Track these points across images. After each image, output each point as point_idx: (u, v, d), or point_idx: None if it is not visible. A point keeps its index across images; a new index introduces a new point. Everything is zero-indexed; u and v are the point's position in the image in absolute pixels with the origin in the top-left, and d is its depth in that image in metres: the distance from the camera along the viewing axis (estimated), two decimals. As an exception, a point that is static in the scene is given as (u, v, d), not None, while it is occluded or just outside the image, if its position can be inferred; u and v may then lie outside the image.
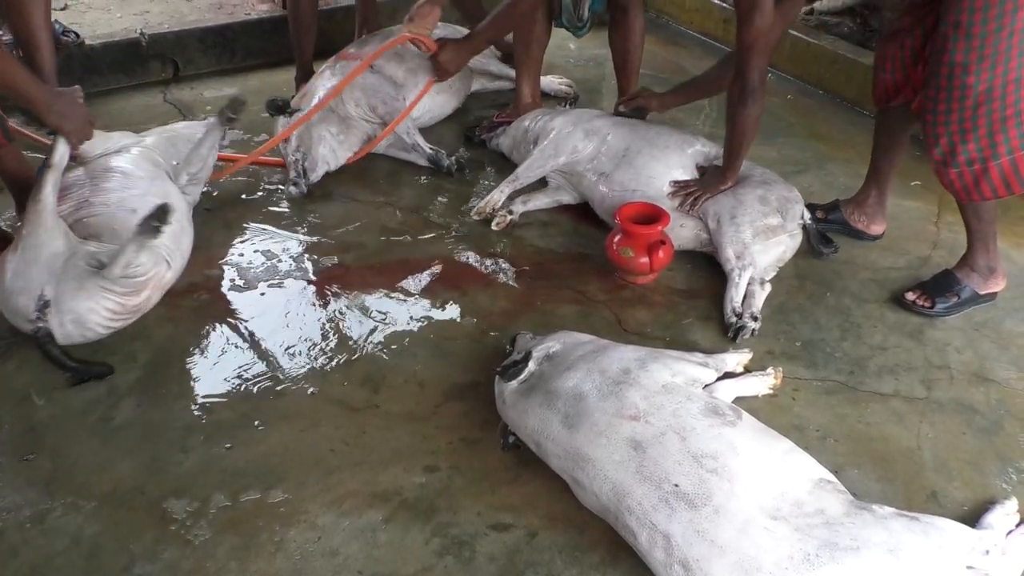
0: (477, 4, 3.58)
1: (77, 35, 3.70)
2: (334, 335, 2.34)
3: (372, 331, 2.36)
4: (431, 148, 3.12)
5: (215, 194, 2.97)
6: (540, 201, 2.93)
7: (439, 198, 3.01)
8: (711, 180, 2.59)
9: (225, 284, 2.54)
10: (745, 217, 2.48)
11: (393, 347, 2.30)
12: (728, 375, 2.11)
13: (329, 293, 2.52)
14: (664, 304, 2.50)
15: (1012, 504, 1.81)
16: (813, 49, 3.91)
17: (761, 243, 2.47)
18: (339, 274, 2.60)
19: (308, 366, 2.23)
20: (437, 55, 3.04)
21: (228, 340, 2.31)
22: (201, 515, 1.81)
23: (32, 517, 1.79)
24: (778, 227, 2.50)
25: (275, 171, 3.10)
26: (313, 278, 2.58)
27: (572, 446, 1.74)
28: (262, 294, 2.50)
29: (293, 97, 3.16)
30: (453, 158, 3.12)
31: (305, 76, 3.41)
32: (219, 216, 2.86)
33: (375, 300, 2.49)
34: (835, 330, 2.39)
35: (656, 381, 1.81)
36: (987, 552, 1.58)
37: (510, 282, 2.58)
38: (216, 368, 2.22)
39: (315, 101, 3.05)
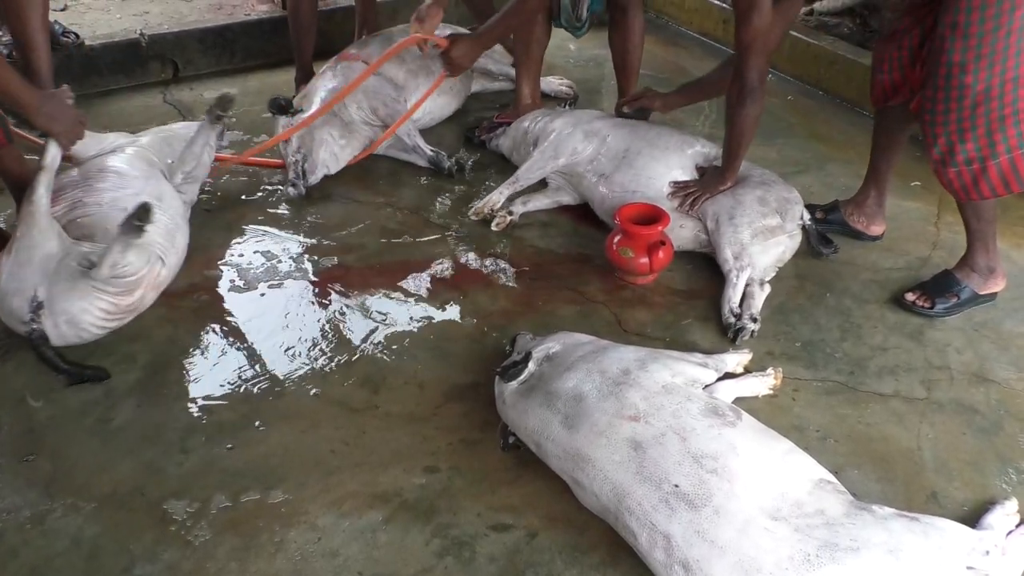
0: (487, 1, 3.56)
1: (77, 36, 3.70)
2: (334, 336, 2.34)
3: (372, 332, 2.36)
4: (432, 150, 3.12)
5: (217, 195, 2.97)
6: (540, 202, 2.93)
7: (439, 199, 3.01)
8: (710, 180, 2.59)
9: (225, 285, 2.54)
10: (744, 218, 2.48)
11: (393, 348, 2.30)
12: (728, 375, 2.11)
13: (329, 294, 2.52)
14: (664, 305, 2.50)
15: (1012, 504, 1.81)
16: (813, 50, 3.91)
17: (760, 244, 2.47)
18: (339, 275, 2.60)
19: (308, 367, 2.23)
20: (449, 51, 3.03)
21: (228, 341, 2.31)
22: (201, 516, 1.81)
23: (32, 518, 1.79)
24: (777, 228, 2.50)
25: (275, 172, 3.10)
26: (313, 279, 2.58)
27: (572, 447, 1.74)
28: (262, 295, 2.50)
29: (294, 97, 3.16)
30: (453, 159, 3.12)
31: (305, 77, 3.41)
32: (219, 217, 2.86)
33: (375, 301, 2.49)
34: (835, 331, 2.39)
35: (656, 382, 1.81)
36: (987, 552, 1.58)
37: (510, 283, 2.58)
38: (216, 369, 2.22)
39: (316, 101, 3.05)
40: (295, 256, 2.68)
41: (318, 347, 2.30)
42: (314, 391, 2.15)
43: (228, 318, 2.40)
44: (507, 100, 3.61)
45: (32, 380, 2.14)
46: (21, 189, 2.29)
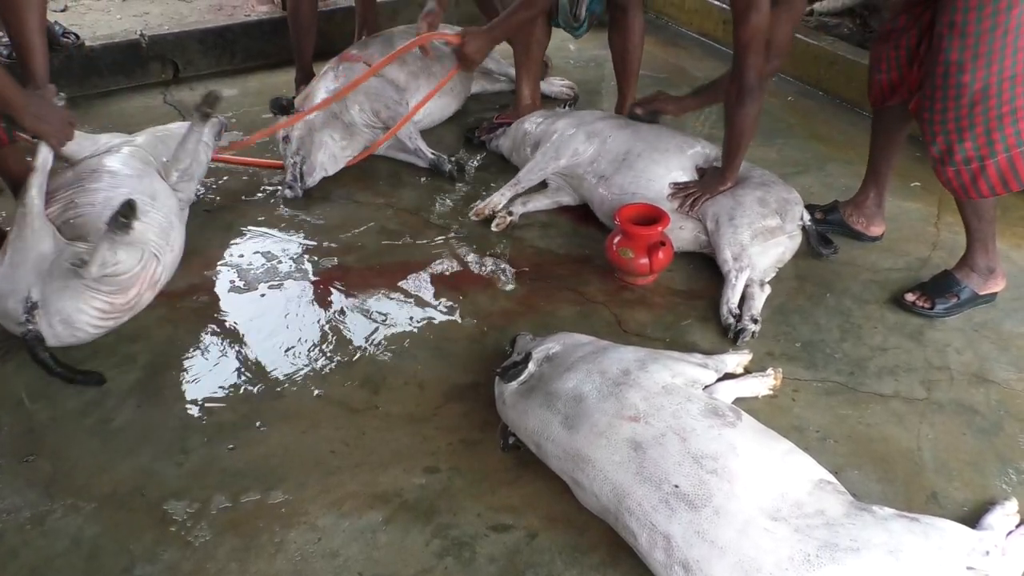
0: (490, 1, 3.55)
1: (77, 36, 3.71)
2: (334, 336, 2.34)
3: (372, 332, 2.36)
4: (433, 153, 3.12)
5: (218, 196, 2.97)
6: (540, 202, 2.93)
7: (439, 199, 3.01)
8: (710, 181, 2.59)
9: (225, 285, 2.54)
10: (743, 219, 2.48)
11: (393, 348, 2.30)
12: (728, 376, 2.11)
13: (329, 294, 2.52)
14: (664, 305, 2.50)
15: (1012, 505, 1.81)
16: (813, 50, 3.91)
17: (760, 245, 2.47)
18: (339, 275, 2.60)
19: (308, 367, 2.23)
20: (463, 47, 3.01)
21: (228, 341, 2.31)
22: (201, 516, 1.81)
23: (32, 519, 1.80)
24: (777, 228, 2.50)
25: (275, 172, 3.10)
26: (313, 279, 2.59)
27: (572, 447, 1.74)
28: (262, 295, 2.50)
29: (295, 97, 3.16)
30: (453, 159, 3.12)
31: (305, 77, 3.41)
32: (219, 217, 2.86)
33: (375, 301, 2.49)
34: (835, 331, 2.39)
35: (656, 382, 1.81)
36: (987, 553, 1.58)
37: (510, 283, 2.58)
38: (216, 369, 2.22)
39: (318, 103, 3.05)
40: (295, 257, 2.68)
41: (318, 348, 2.30)
42: (314, 392, 2.15)
43: (228, 319, 2.40)
44: (507, 101, 3.61)
45: (32, 381, 2.14)
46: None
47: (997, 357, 2.30)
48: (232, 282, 2.55)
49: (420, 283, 2.57)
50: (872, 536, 1.51)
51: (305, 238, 2.77)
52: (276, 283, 2.55)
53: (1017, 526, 1.76)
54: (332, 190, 3.03)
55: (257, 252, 2.70)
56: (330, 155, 3.02)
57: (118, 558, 1.72)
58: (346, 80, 3.08)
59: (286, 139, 2.99)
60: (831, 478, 1.69)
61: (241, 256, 2.68)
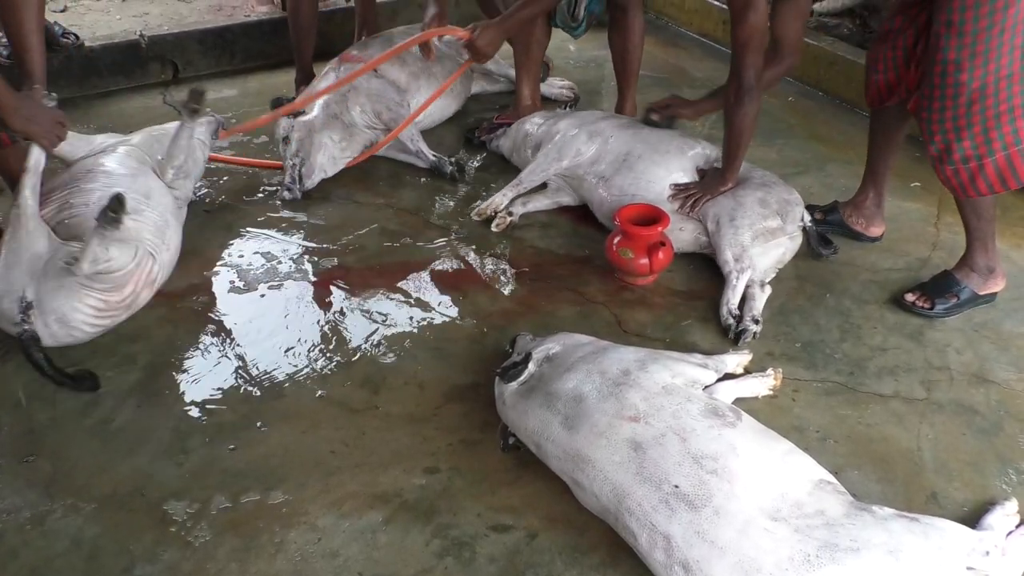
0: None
1: (77, 37, 3.70)
2: (334, 337, 2.34)
3: (372, 332, 2.36)
4: (434, 155, 3.12)
5: (218, 196, 2.97)
6: (540, 203, 2.93)
7: (439, 200, 3.01)
8: (711, 182, 2.59)
9: (225, 286, 2.54)
10: (744, 220, 2.48)
11: (393, 348, 2.30)
12: (728, 376, 2.11)
13: (329, 295, 2.52)
14: (664, 305, 2.50)
15: (1012, 505, 1.81)
16: (813, 50, 3.91)
17: (761, 246, 2.47)
18: (339, 276, 2.60)
19: (308, 368, 2.23)
20: (475, 40, 2.94)
21: (228, 342, 2.31)
22: (201, 516, 1.81)
23: (32, 519, 1.79)
24: (777, 229, 2.50)
25: (275, 173, 3.10)
26: (313, 280, 2.59)
27: (572, 447, 1.74)
28: (262, 296, 2.50)
29: (295, 98, 3.16)
30: (453, 160, 3.12)
31: (305, 78, 3.41)
32: (219, 218, 2.86)
33: (375, 301, 2.49)
34: (835, 331, 2.39)
35: (656, 382, 1.81)
36: (987, 553, 1.58)
37: (510, 283, 2.58)
38: (216, 369, 2.22)
39: (319, 104, 3.05)
40: (295, 257, 2.68)
41: (318, 348, 2.30)
42: (314, 392, 2.15)
43: (228, 319, 2.40)
44: (507, 101, 3.61)
45: (32, 381, 2.14)
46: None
47: (997, 357, 2.30)
48: (232, 282, 2.55)
49: (420, 283, 2.57)
50: (872, 536, 1.51)
51: (305, 238, 2.77)
52: (276, 283, 2.55)
53: (1017, 526, 1.76)
54: (332, 190, 3.03)
55: (257, 252, 2.70)
56: (329, 157, 3.02)
57: (118, 558, 1.72)
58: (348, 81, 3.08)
59: (286, 140, 2.99)
60: (831, 478, 1.69)
61: (241, 256, 2.68)
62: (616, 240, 2.53)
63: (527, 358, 1.93)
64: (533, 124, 3.07)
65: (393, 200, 3.00)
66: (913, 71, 2.35)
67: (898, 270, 2.65)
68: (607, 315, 2.45)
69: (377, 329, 2.37)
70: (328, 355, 2.27)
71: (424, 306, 2.48)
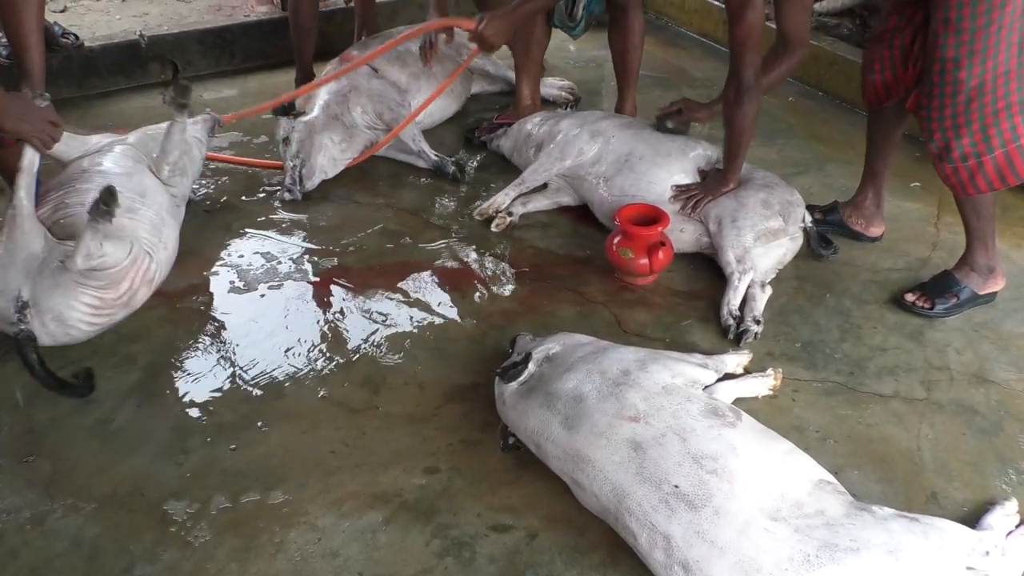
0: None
1: (76, 37, 3.71)
2: (334, 337, 2.34)
3: (372, 333, 2.36)
4: (436, 155, 3.12)
5: (219, 197, 2.97)
6: (540, 203, 2.93)
7: (439, 200, 3.02)
8: (713, 183, 2.59)
9: (225, 286, 2.54)
10: (747, 221, 2.48)
11: (393, 348, 2.30)
12: (728, 376, 2.11)
13: (329, 295, 2.52)
14: (664, 305, 2.50)
15: (1012, 505, 1.81)
16: (813, 50, 3.86)
17: (762, 246, 2.47)
18: (339, 276, 2.60)
19: (308, 368, 2.23)
20: (483, 29, 2.85)
21: (228, 342, 2.31)
22: (201, 516, 1.81)
23: (32, 519, 1.79)
24: (780, 230, 2.50)
25: (275, 173, 3.10)
26: (313, 279, 2.59)
27: (572, 447, 1.74)
28: (262, 295, 2.50)
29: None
30: (454, 160, 3.12)
31: (305, 78, 3.41)
32: (219, 218, 2.86)
33: (375, 302, 2.49)
34: (835, 331, 2.39)
35: (656, 382, 1.81)
36: (987, 553, 1.58)
37: (510, 283, 2.58)
38: (216, 370, 2.22)
39: (319, 103, 3.05)
40: (295, 257, 2.68)
41: (318, 348, 2.30)
42: (314, 392, 2.15)
43: (228, 319, 2.40)
44: (507, 101, 3.61)
45: (32, 382, 2.13)
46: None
47: (997, 357, 2.30)
48: (232, 282, 2.55)
49: (420, 283, 2.57)
50: (872, 536, 1.51)
51: (305, 238, 2.77)
52: (276, 283, 2.55)
53: (1017, 526, 1.76)
54: (332, 191, 3.03)
55: (257, 252, 2.69)
56: (330, 158, 3.02)
57: (118, 558, 1.71)
58: (348, 82, 3.08)
59: (286, 141, 2.98)
60: (831, 478, 1.69)
61: (241, 256, 2.68)
62: (616, 240, 2.53)
63: (527, 358, 1.93)
64: (534, 124, 3.07)
65: (393, 200, 3.00)
66: (911, 70, 2.36)
67: (898, 270, 2.65)
68: (607, 315, 2.45)
69: (377, 329, 2.37)
70: (328, 355, 2.27)
71: (424, 306, 2.48)
